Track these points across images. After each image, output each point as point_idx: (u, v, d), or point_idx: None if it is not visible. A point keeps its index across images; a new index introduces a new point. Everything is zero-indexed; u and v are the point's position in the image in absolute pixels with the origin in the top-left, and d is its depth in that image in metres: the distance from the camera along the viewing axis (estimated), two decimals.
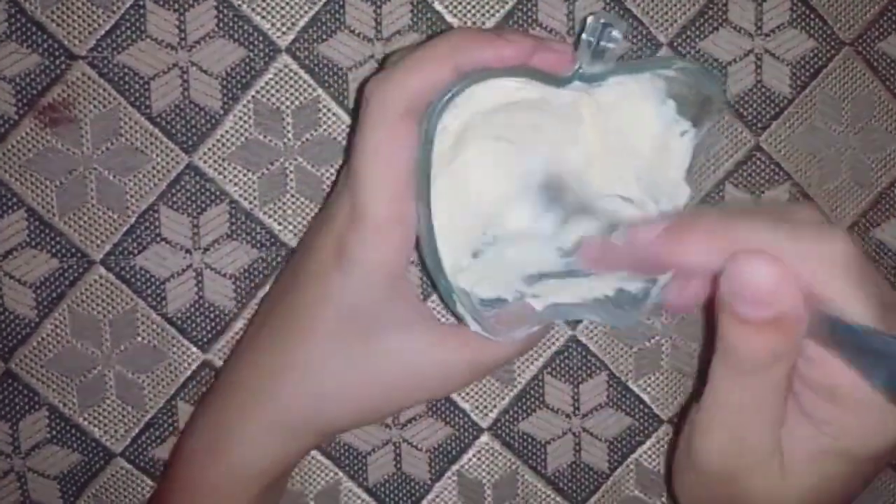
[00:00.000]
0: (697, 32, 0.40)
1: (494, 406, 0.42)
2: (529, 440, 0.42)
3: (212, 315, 0.40)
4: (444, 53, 0.31)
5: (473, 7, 0.39)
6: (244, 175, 0.39)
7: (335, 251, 0.33)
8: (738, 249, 0.26)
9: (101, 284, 0.39)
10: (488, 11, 0.39)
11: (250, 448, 0.35)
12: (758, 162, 0.42)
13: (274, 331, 0.36)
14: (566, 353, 0.42)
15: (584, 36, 0.31)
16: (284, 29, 0.39)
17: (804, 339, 0.26)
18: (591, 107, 0.34)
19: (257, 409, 0.35)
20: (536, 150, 0.34)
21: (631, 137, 0.34)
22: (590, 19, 0.31)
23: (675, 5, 0.40)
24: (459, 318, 0.33)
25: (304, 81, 0.39)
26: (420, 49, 0.32)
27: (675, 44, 0.40)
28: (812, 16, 0.41)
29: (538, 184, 0.34)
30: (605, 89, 0.33)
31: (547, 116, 0.34)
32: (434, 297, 0.40)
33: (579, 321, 0.42)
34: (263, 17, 0.39)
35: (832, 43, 0.41)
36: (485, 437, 0.42)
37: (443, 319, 0.40)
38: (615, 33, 0.31)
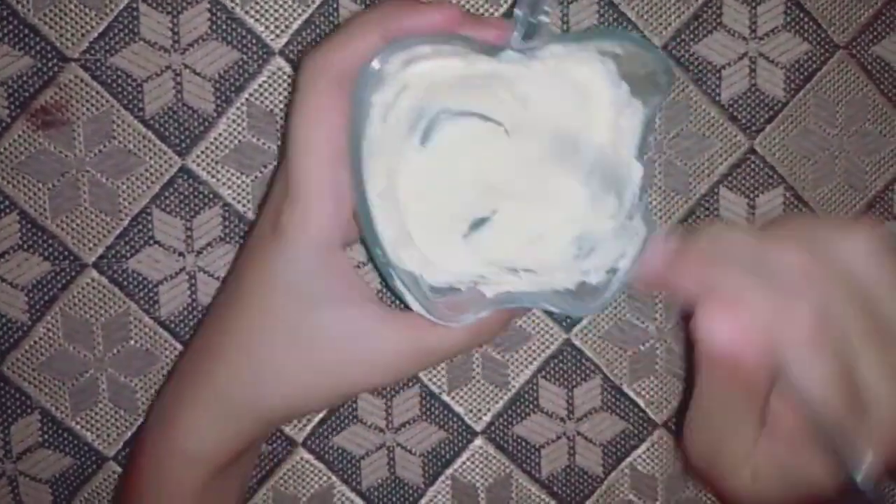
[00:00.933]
0: (692, 36, 0.40)
1: (488, 410, 0.42)
2: (523, 444, 0.42)
3: None
4: (371, 22, 0.31)
5: (468, 10, 0.39)
6: (238, 178, 0.39)
7: (271, 225, 0.32)
8: (714, 291, 0.28)
9: (94, 287, 0.39)
10: (483, 14, 0.39)
11: (193, 433, 0.34)
12: (752, 165, 0.42)
13: (215, 311, 0.35)
14: (560, 357, 0.42)
15: (516, 8, 0.31)
16: (278, 31, 0.39)
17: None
18: (542, 87, 0.34)
19: (198, 392, 0.34)
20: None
21: (585, 119, 0.34)
22: None
23: (670, 9, 0.40)
24: (400, 298, 0.32)
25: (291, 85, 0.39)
26: (349, 20, 0.32)
27: (670, 47, 0.40)
28: (806, 19, 0.41)
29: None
30: (542, 63, 0.33)
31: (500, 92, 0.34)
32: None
33: (573, 325, 0.41)
34: (257, 20, 0.38)
35: (826, 46, 0.41)
36: (479, 441, 0.42)
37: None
38: (546, 6, 0.31)
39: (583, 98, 0.34)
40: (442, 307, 0.32)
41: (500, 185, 0.34)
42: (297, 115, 0.31)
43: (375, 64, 0.30)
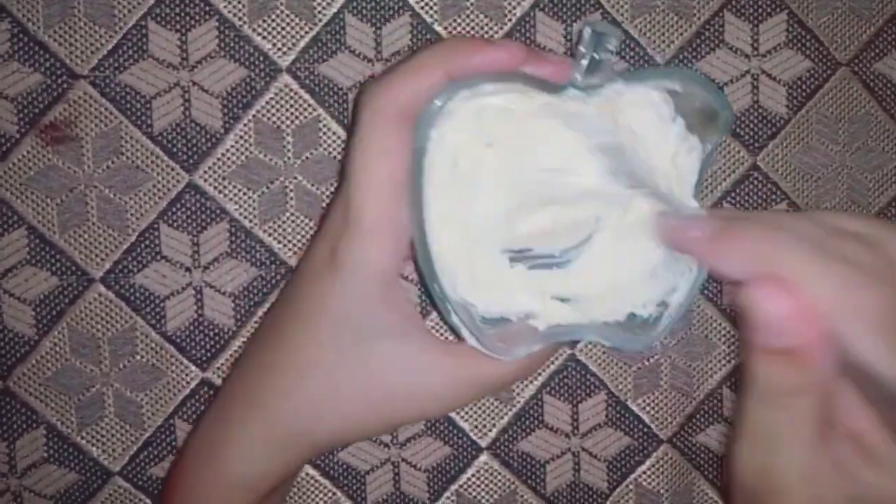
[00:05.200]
0: (694, 53, 0.41)
1: (493, 425, 0.42)
2: (528, 460, 0.42)
3: (211, 333, 0.40)
4: (435, 59, 0.31)
5: (472, 28, 0.40)
6: (244, 193, 0.40)
7: (328, 257, 0.33)
8: (768, 272, 0.25)
9: (101, 302, 0.39)
10: (487, 32, 0.40)
11: (241, 460, 0.34)
12: (755, 181, 0.42)
13: (268, 339, 0.35)
14: (565, 373, 0.42)
15: (579, 46, 0.31)
16: (285, 49, 0.39)
17: (838, 379, 0.25)
18: (607, 120, 0.34)
19: (248, 420, 0.34)
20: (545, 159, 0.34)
21: (648, 156, 0.34)
22: (585, 30, 0.31)
23: (672, 26, 0.41)
24: (456, 332, 0.33)
25: (305, 101, 0.39)
26: (413, 56, 0.32)
27: (672, 65, 0.41)
28: (808, 37, 0.41)
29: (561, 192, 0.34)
30: (602, 99, 0.33)
31: (560, 128, 0.34)
32: (435, 316, 0.40)
33: (577, 340, 0.42)
34: (264, 38, 0.39)
35: (828, 63, 0.41)
36: (484, 457, 0.42)
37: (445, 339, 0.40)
38: (609, 45, 0.31)
39: (644, 133, 0.34)
40: (495, 340, 0.32)
41: (561, 221, 0.34)
42: (359, 150, 0.32)
43: (439, 101, 0.30)
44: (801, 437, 0.26)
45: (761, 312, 0.25)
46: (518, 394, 0.42)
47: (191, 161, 0.39)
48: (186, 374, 0.40)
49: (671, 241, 0.31)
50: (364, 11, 0.39)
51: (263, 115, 0.39)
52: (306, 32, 0.39)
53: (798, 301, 0.25)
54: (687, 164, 0.34)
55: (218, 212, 0.39)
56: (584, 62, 0.31)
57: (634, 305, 0.34)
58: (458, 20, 0.40)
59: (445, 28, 0.40)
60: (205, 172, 0.39)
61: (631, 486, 0.43)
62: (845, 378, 0.26)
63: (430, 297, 0.33)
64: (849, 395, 0.27)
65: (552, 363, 0.42)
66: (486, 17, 0.40)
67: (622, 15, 0.40)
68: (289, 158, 0.39)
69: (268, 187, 0.40)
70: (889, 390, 0.24)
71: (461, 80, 0.31)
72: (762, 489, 0.27)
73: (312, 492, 0.41)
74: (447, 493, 0.42)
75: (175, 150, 0.39)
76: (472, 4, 0.39)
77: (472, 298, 0.33)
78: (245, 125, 0.39)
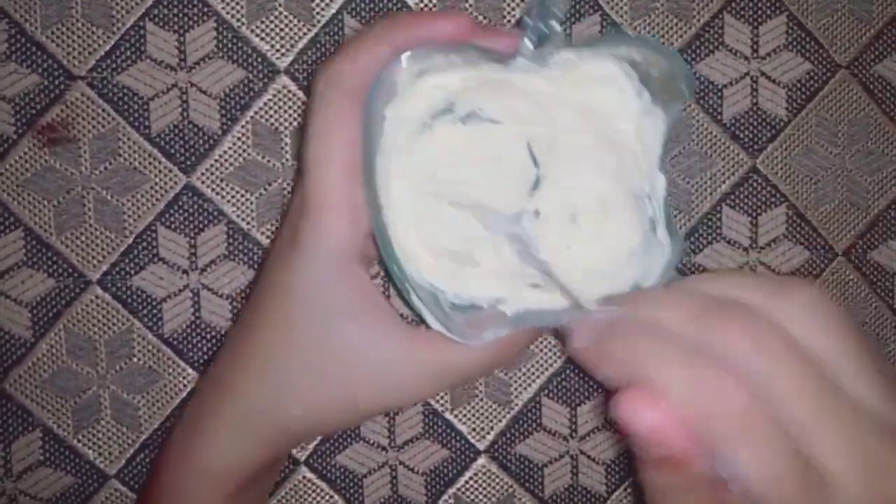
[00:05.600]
0: (694, 55, 0.41)
1: (491, 428, 0.42)
2: (526, 463, 0.42)
3: (208, 336, 0.40)
4: (381, 32, 0.31)
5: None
6: (242, 195, 0.39)
7: (290, 240, 0.32)
8: (637, 379, 0.24)
9: (98, 305, 0.39)
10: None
11: (214, 447, 0.33)
12: (754, 184, 0.42)
13: (237, 326, 0.35)
14: (563, 375, 0.42)
15: (525, 15, 0.31)
16: (283, 50, 0.39)
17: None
18: (560, 97, 0.33)
19: (218, 410, 0.34)
20: (508, 134, 0.33)
21: (609, 129, 0.33)
22: None
23: (672, 28, 0.40)
24: (419, 315, 0.31)
25: (303, 102, 0.39)
26: (361, 31, 0.32)
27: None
28: (808, 39, 0.41)
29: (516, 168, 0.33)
30: (557, 70, 0.32)
31: (516, 101, 0.33)
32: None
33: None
34: (262, 39, 0.39)
35: (828, 66, 0.41)
36: (482, 460, 0.42)
37: None
38: (557, 11, 0.30)
39: (605, 106, 0.33)
40: (461, 324, 0.31)
41: (523, 194, 0.33)
42: (311, 129, 0.31)
43: (387, 75, 0.30)
44: None
45: (630, 424, 0.24)
46: (516, 396, 0.42)
47: (188, 163, 0.39)
48: (183, 377, 0.40)
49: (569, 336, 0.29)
50: (363, 13, 0.39)
51: (261, 117, 0.39)
52: (305, 34, 0.39)
53: (663, 411, 0.24)
54: (652, 137, 0.33)
55: (215, 214, 0.39)
56: (531, 31, 0.30)
57: (610, 289, 0.33)
58: None
59: None
60: (202, 174, 0.39)
61: (629, 490, 0.43)
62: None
63: (392, 280, 0.32)
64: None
65: (550, 366, 0.41)
66: (485, 18, 0.39)
67: (621, 17, 0.40)
68: (287, 160, 0.39)
69: (266, 189, 0.39)
70: (754, 494, 0.23)
71: (408, 53, 0.30)
72: None
73: (310, 495, 0.41)
74: (445, 497, 0.42)
75: (173, 151, 0.39)
76: (470, 6, 0.39)
77: (439, 283, 0.32)
78: (243, 127, 0.39)
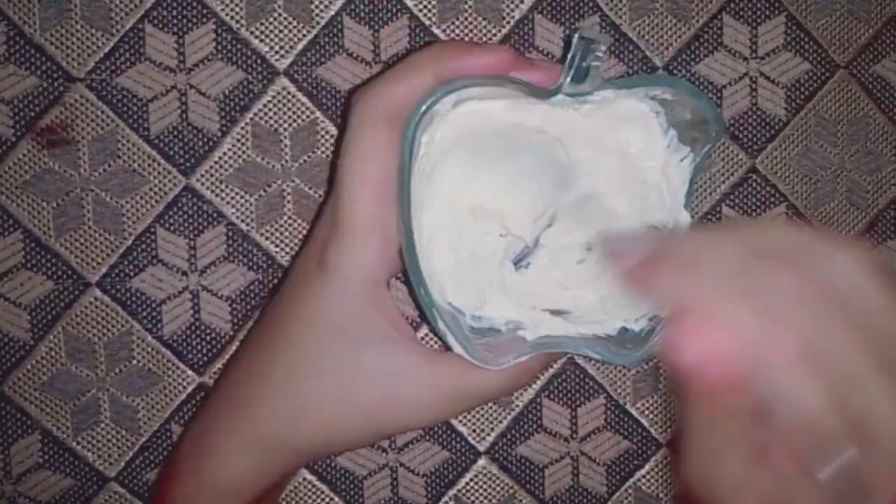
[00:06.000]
0: (692, 56, 0.41)
1: (492, 430, 0.42)
2: (527, 464, 0.42)
3: (208, 338, 0.40)
4: (425, 62, 0.31)
5: (470, 30, 0.40)
6: (241, 197, 0.39)
7: (317, 260, 0.33)
8: (692, 302, 0.25)
9: (97, 307, 0.39)
10: (485, 35, 0.40)
11: (227, 464, 0.34)
12: (753, 184, 0.42)
13: (257, 343, 0.35)
14: (564, 377, 0.42)
15: (568, 52, 0.31)
16: (283, 52, 0.39)
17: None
18: (589, 128, 0.34)
19: (235, 424, 0.34)
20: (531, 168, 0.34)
21: (638, 166, 0.34)
22: (574, 36, 0.31)
23: (671, 29, 0.40)
24: (443, 340, 0.32)
25: (302, 104, 0.39)
26: (404, 59, 0.32)
27: (671, 67, 0.41)
28: (806, 39, 0.41)
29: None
30: (592, 107, 0.33)
31: (544, 141, 0.34)
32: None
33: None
34: (262, 41, 0.39)
35: (827, 66, 0.41)
36: (482, 461, 0.42)
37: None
38: (598, 52, 0.31)
39: (633, 144, 0.34)
40: (482, 350, 0.32)
41: (545, 230, 0.34)
42: (348, 153, 0.32)
43: (426, 104, 0.30)
44: (734, 456, 0.26)
45: (688, 349, 0.24)
46: (517, 398, 0.41)
47: (188, 164, 0.39)
48: (183, 379, 0.40)
49: (610, 267, 0.30)
50: (362, 14, 0.39)
51: (261, 119, 0.39)
52: (304, 35, 0.39)
53: (722, 336, 0.24)
54: (678, 175, 0.34)
55: (215, 215, 0.39)
56: (573, 68, 0.31)
57: (627, 320, 0.34)
58: (457, 22, 0.39)
59: (443, 30, 0.39)
60: (202, 176, 0.39)
61: (630, 490, 0.43)
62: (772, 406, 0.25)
63: (418, 304, 0.32)
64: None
65: (551, 368, 0.41)
66: (484, 19, 0.39)
67: (621, 17, 0.40)
68: (286, 162, 0.39)
69: (265, 191, 0.39)
70: (803, 424, 0.24)
71: (450, 84, 0.31)
72: (708, 494, 0.27)
73: (310, 497, 0.41)
74: (445, 498, 0.42)
75: (172, 153, 0.39)
76: (470, 7, 0.39)
77: (460, 305, 0.33)
78: (242, 128, 0.39)
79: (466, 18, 0.39)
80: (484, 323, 0.34)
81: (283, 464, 0.35)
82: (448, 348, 0.32)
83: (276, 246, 0.40)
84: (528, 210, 0.34)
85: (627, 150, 0.34)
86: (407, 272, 0.31)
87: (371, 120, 0.31)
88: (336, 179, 0.32)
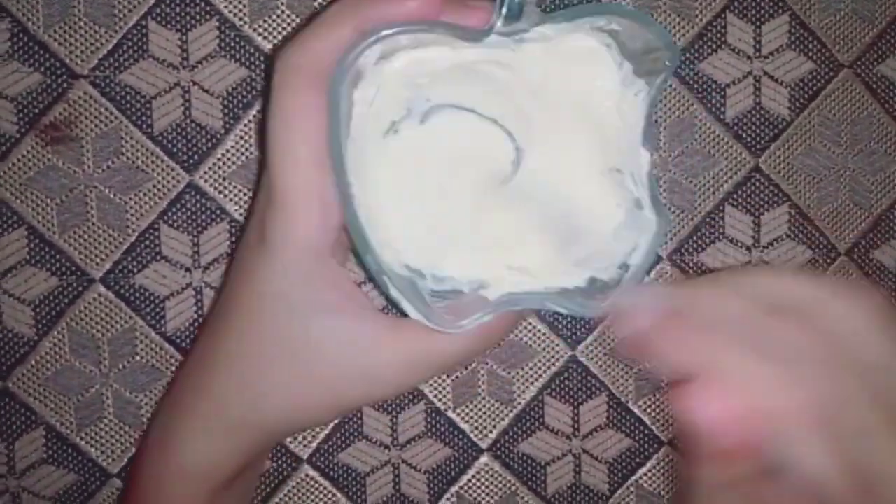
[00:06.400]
0: (696, 54, 0.41)
1: (494, 427, 0.42)
2: (529, 461, 0.42)
3: None
4: (344, 13, 0.29)
5: None
6: (245, 194, 0.39)
7: (257, 235, 0.31)
8: (701, 370, 0.25)
9: (101, 303, 0.39)
10: None
11: (191, 447, 0.33)
12: (757, 183, 0.42)
13: (208, 324, 0.34)
14: (566, 374, 0.42)
15: None
16: (281, 45, 0.39)
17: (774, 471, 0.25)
18: (533, 71, 0.32)
19: (196, 406, 0.33)
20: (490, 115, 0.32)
21: (592, 105, 0.32)
22: None
23: (674, 28, 0.40)
24: (398, 307, 0.30)
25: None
26: (322, 12, 0.30)
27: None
28: (811, 38, 0.41)
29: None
30: (535, 45, 0.31)
31: (497, 79, 0.32)
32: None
33: (579, 341, 0.41)
34: (265, 38, 0.39)
35: (831, 65, 0.41)
36: (484, 459, 0.42)
37: None
38: None
39: (583, 81, 0.32)
40: (441, 313, 0.30)
41: (497, 176, 0.32)
42: (273, 117, 0.30)
43: (351, 59, 0.28)
44: None
45: (696, 415, 0.24)
46: (519, 395, 0.42)
47: (191, 161, 0.39)
48: None
49: (617, 316, 0.29)
50: None
51: (259, 113, 0.39)
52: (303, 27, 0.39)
53: (729, 402, 0.24)
54: (634, 111, 0.32)
55: (218, 212, 0.39)
56: (504, 4, 0.29)
57: (597, 269, 0.32)
58: None
59: None
60: (205, 173, 0.39)
61: (632, 488, 0.43)
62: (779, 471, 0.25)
63: (368, 272, 0.30)
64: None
65: (553, 365, 0.41)
66: None
67: None
68: None
69: None
70: (810, 488, 0.24)
71: (372, 35, 0.28)
72: None
73: (313, 493, 0.41)
74: (447, 495, 0.42)
75: (175, 150, 0.39)
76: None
77: (420, 266, 0.31)
78: (245, 125, 0.39)
79: None
80: (446, 285, 0.32)
81: (250, 443, 0.33)
82: (405, 316, 0.30)
83: None
84: (486, 172, 0.33)
85: (574, 88, 0.32)
86: (350, 239, 0.29)
87: (293, 81, 0.29)
88: (266, 149, 0.30)
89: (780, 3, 0.41)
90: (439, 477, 0.42)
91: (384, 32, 0.28)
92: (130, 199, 0.39)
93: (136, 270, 0.39)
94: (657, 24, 0.35)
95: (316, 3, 0.39)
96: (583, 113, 0.32)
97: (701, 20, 0.41)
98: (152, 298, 0.39)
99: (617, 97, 0.32)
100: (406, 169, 0.31)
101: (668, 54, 0.31)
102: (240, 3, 0.38)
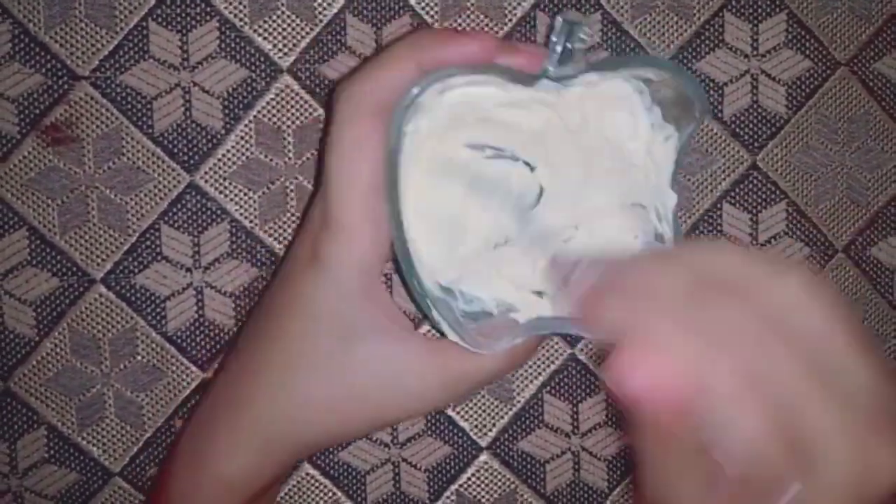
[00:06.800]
0: (694, 53, 0.41)
1: (493, 425, 0.42)
2: (528, 459, 0.42)
3: (211, 334, 0.40)
4: (407, 52, 0.31)
5: (473, 28, 0.40)
6: (245, 194, 0.40)
7: (310, 254, 0.33)
8: (635, 337, 0.25)
9: (102, 303, 0.39)
10: (489, 31, 0.40)
11: (227, 460, 0.34)
12: (754, 181, 0.42)
13: (254, 337, 0.35)
14: (565, 372, 0.42)
15: (552, 36, 0.31)
16: (286, 50, 0.39)
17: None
18: (574, 114, 0.34)
19: (234, 420, 0.34)
20: (516, 157, 0.34)
21: (622, 147, 0.34)
22: (557, 19, 0.31)
23: (672, 27, 0.41)
24: (438, 329, 0.32)
25: (305, 101, 0.39)
26: (385, 49, 0.32)
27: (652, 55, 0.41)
28: (807, 36, 0.41)
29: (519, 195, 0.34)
30: (578, 90, 0.33)
31: (531, 121, 0.34)
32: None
33: (579, 338, 0.42)
34: (265, 39, 0.39)
35: (828, 63, 0.42)
36: (484, 456, 0.42)
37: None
38: (582, 34, 0.31)
39: (617, 124, 0.34)
40: (475, 335, 0.32)
41: (532, 213, 0.34)
42: (334, 147, 0.32)
43: (411, 94, 0.30)
44: (688, 482, 0.26)
45: (628, 380, 0.24)
46: (518, 393, 0.42)
47: (191, 162, 0.39)
48: (187, 375, 0.40)
49: (562, 293, 0.31)
50: (365, 12, 0.39)
51: (264, 116, 0.39)
52: (307, 33, 0.39)
53: (660, 368, 0.24)
54: (663, 154, 0.34)
55: (219, 212, 0.40)
56: (556, 52, 0.31)
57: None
58: (459, 20, 0.40)
59: (445, 27, 0.40)
60: (205, 173, 0.39)
61: (631, 486, 0.43)
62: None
63: (411, 295, 0.33)
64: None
65: (552, 363, 0.42)
66: (486, 17, 0.40)
67: (622, 15, 0.40)
68: (289, 159, 0.40)
69: (268, 188, 0.40)
70: (740, 456, 0.24)
71: (433, 73, 0.30)
72: None
73: (312, 491, 0.41)
74: (447, 493, 0.42)
75: (176, 150, 0.39)
76: (472, 5, 0.40)
77: (450, 282, 0.33)
78: (246, 126, 0.39)
79: (469, 16, 0.40)
80: (476, 306, 0.34)
81: (284, 459, 0.35)
82: (443, 336, 0.32)
83: (280, 243, 0.40)
84: (512, 205, 0.34)
85: (612, 132, 0.34)
86: (398, 263, 0.31)
87: (356, 113, 0.31)
88: (325, 174, 0.32)
89: (778, 2, 0.41)
90: (439, 475, 0.42)
91: (446, 73, 0.30)
92: (131, 199, 0.39)
93: (136, 271, 0.39)
94: (692, 76, 0.36)
95: (315, 4, 0.39)
96: (612, 152, 0.34)
97: (698, 19, 0.41)
98: (153, 299, 0.40)
99: (646, 139, 0.34)
100: (441, 198, 0.33)
101: (700, 106, 0.33)
102: (240, 3, 0.39)
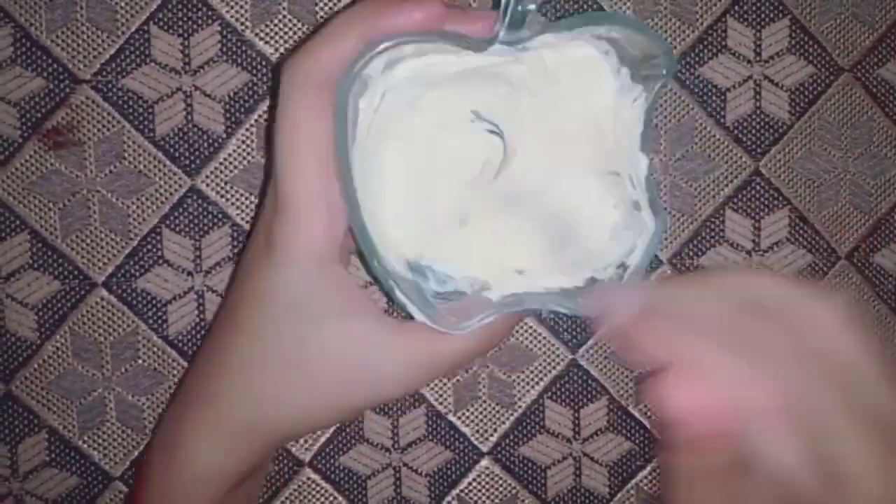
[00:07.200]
0: (697, 59, 0.41)
1: (495, 430, 0.42)
2: (530, 464, 0.42)
3: None
4: (350, 23, 0.30)
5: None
6: (246, 198, 0.40)
7: (264, 241, 0.32)
8: (679, 358, 0.26)
9: (103, 307, 0.39)
10: None
11: (196, 454, 0.33)
12: (757, 187, 0.42)
13: (216, 330, 0.34)
14: (566, 378, 0.42)
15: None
16: (288, 54, 0.39)
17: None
18: (539, 79, 0.33)
19: (200, 414, 0.33)
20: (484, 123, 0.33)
21: (589, 109, 0.33)
22: None
23: (675, 32, 0.41)
24: (404, 310, 0.31)
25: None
26: (328, 22, 0.31)
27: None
28: (811, 42, 0.41)
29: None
30: (540, 53, 0.31)
31: (495, 87, 0.32)
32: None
33: (579, 345, 0.42)
34: (266, 43, 0.39)
35: (831, 69, 0.41)
36: (485, 462, 0.42)
37: None
38: None
39: (582, 87, 0.33)
40: (446, 315, 0.31)
41: (496, 182, 0.33)
42: (280, 125, 0.30)
43: (357, 67, 0.29)
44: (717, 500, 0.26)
45: (671, 403, 0.26)
46: (519, 399, 0.42)
47: (193, 166, 0.39)
48: None
49: (600, 311, 0.30)
50: None
51: (265, 120, 0.39)
52: (309, 37, 0.39)
53: (703, 392, 0.25)
54: (631, 116, 0.33)
55: (220, 216, 0.40)
56: (507, 14, 0.29)
57: (595, 269, 0.33)
58: None
59: None
60: (207, 177, 0.39)
61: (632, 491, 0.43)
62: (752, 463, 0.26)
63: (373, 276, 0.31)
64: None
65: (553, 368, 0.42)
66: (473, 2, 0.39)
67: None
68: None
69: None
70: (777, 479, 0.25)
71: (377, 45, 0.29)
72: None
73: (314, 496, 0.41)
74: (448, 498, 0.42)
75: (177, 154, 0.39)
76: (475, 8, 0.39)
77: (421, 257, 0.32)
78: (247, 130, 0.39)
79: None
80: (448, 286, 0.32)
81: (257, 447, 0.34)
82: (411, 318, 0.31)
83: None
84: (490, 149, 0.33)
85: (573, 94, 0.33)
86: (357, 243, 0.30)
87: (300, 90, 0.30)
88: (274, 157, 0.31)
89: (781, 8, 0.41)
90: (440, 480, 0.42)
91: (390, 42, 0.29)
92: (132, 203, 0.39)
93: (138, 274, 0.39)
94: (654, 32, 0.36)
95: (317, 8, 0.39)
96: (581, 118, 0.33)
97: (701, 24, 0.41)
98: (154, 302, 0.40)
99: (615, 102, 0.33)
100: (403, 169, 0.32)
101: (666, 61, 0.31)
102: (241, 8, 0.39)
